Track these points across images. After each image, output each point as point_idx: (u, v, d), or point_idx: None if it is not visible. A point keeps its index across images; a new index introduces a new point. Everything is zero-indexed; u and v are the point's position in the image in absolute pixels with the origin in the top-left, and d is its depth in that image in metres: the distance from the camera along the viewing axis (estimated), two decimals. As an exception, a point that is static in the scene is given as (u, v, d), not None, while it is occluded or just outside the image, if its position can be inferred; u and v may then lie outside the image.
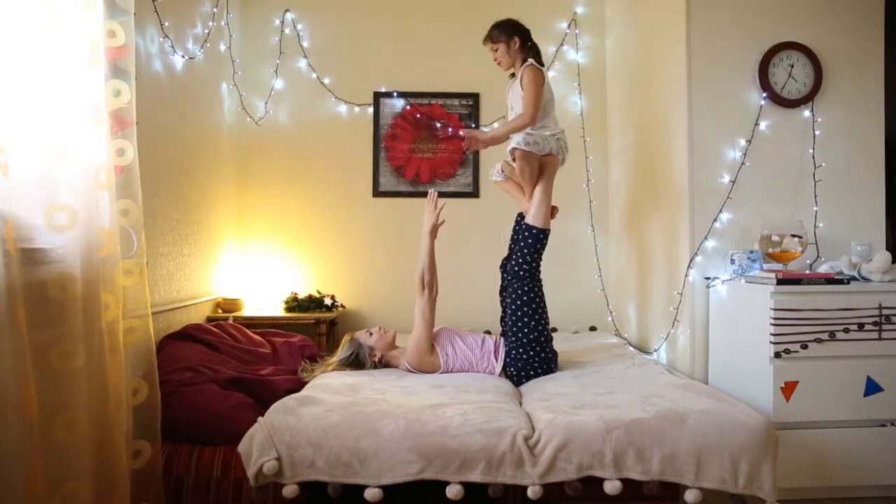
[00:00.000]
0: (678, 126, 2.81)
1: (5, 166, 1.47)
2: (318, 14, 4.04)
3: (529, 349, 2.57)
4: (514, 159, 2.61)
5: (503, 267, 2.81)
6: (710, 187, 2.72)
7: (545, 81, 2.67)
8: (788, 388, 2.28)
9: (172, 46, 2.95)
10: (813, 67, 2.72)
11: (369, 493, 1.82)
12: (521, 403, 2.27)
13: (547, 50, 4.03)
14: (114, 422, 1.77)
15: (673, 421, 1.90)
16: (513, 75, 2.77)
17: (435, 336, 2.65)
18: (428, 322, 2.56)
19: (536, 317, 2.57)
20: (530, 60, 2.67)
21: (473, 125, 4.00)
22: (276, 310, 3.77)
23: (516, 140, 2.59)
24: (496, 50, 2.75)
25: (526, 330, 2.56)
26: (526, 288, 2.57)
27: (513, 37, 2.71)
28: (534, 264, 2.60)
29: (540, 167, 2.65)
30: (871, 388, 2.30)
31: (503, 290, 2.78)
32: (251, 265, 3.95)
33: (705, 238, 2.72)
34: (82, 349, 1.65)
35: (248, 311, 3.70)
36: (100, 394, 1.73)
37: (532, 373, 2.57)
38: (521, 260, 2.60)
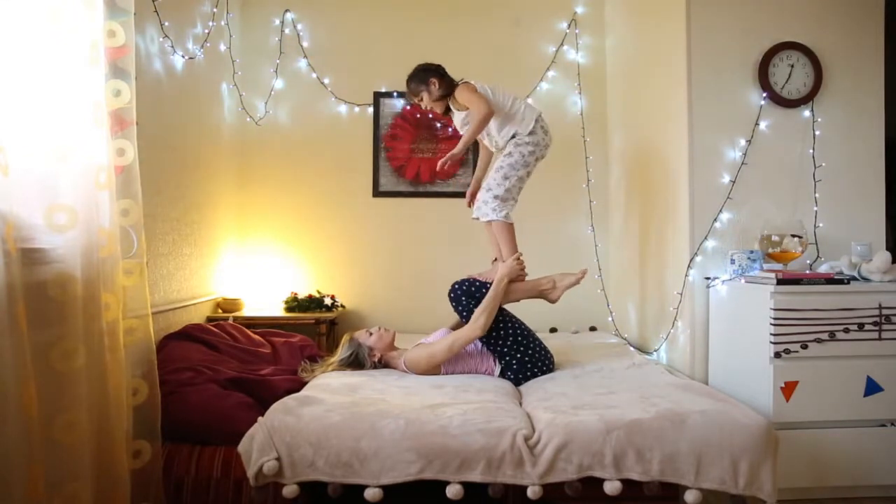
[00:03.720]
0: (678, 126, 2.81)
1: (5, 166, 1.47)
2: (318, 14, 4.04)
3: (516, 352, 2.58)
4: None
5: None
6: (710, 187, 2.72)
7: (482, 85, 2.75)
8: (788, 388, 2.28)
9: (172, 46, 2.95)
10: (813, 67, 2.72)
11: (369, 493, 1.81)
12: (521, 403, 2.27)
13: (547, 50, 4.04)
14: (114, 422, 1.77)
15: (673, 421, 1.90)
16: (449, 109, 2.81)
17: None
18: (453, 354, 2.54)
19: (500, 324, 2.58)
20: (457, 82, 2.76)
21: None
22: (276, 310, 3.77)
23: (491, 215, 2.70)
24: (421, 100, 2.80)
25: (502, 340, 2.58)
26: (472, 303, 2.58)
27: (428, 80, 2.75)
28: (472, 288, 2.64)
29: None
30: (871, 388, 2.30)
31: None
32: (251, 265, 3.96)
33: (705, 238, 2.72)
34: (82, 349, 1.65)
35: (248, 311, 3.70)
36: (100, 394, 1.73)
37: (529, 373, 2.58)
38: (466, 285, 2.63)
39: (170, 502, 2.01)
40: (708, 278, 2.72)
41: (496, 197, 2.71)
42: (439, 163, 2.68)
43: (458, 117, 2.81)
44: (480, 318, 2.50)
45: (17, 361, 1.41)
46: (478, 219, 2.79)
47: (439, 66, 2.80)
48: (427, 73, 2.76)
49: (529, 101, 2.81)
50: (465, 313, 2.60)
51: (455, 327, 2.75)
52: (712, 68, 2.74)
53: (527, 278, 2.76)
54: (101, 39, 1.80)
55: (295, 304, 3.75)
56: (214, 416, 2.13)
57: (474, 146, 3.06)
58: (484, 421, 1.91)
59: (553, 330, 3.80)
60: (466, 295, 2.61)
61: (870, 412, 2.31)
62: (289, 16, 4.01)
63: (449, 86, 2.76)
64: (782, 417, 2.26)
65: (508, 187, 2.71)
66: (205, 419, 2.12)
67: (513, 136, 2.73)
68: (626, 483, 1.84)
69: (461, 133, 2.87)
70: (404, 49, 4.04)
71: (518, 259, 2.70)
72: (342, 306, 3.91)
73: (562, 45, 4.05)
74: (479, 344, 2.65)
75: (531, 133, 2.70)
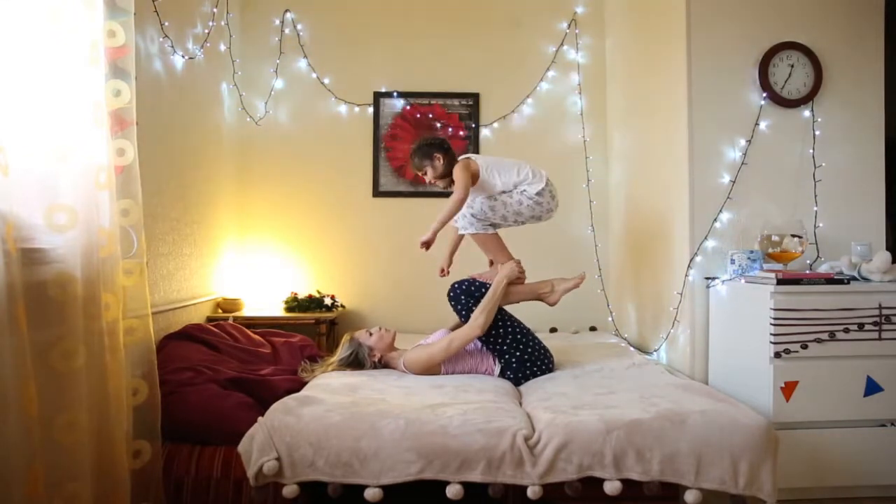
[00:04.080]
0: (678, 126, 2.81)
1: (5, 166, 1.47)
2: (318, 14, 4.04)
3: (515, 351, 2.58)
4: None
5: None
6: (710, 187, 2.72)
7: (478, 164, 2.73)
8: (788, 388, 2.28)
9: (172, 46, 2.95)
10: (813, 67, 2.72)
11: (369, 493, 1.82)
12: (520, 403, 2.27)
13: (547, 50, 4.04)
14: (114, 422, 1.77)
15: (673, 421, 1.90)
16: (452, 183, 2.78)
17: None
18: (451, 353, 2.54)
19: (500, 324, 2.58)
20: (459, 158, 2.76)
21: (474, 125, 4.00)
22: (276, 310, 3.77)
23: (469, 228, 2.74)
24: (425, 174, 2.80)
25: (501, 339, 2.59)
26: (471, 303, 2.59)
27: (433, 156, 2.75)
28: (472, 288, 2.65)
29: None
30: (871, 388, 2.30)
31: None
32: (251, 265, 3.95)
33: (705, 238, 2.72)
34: (82, 349, 1.65)
35: (248, 311, 3.70)
36: (100, 394, 1.73)
37: (528, 373, 2.58)
38: (465, 285, 2.64)
39: (170, 502, 2.01)
40: (708, 278, 2.72)
41: (473, 215, 2.74)
42: (421, 245, 2.69)
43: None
44: (479, 317, 2.50)
45: (17, 361, 1.41)
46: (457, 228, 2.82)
47: (444, 140, 2.82)
48: (432, 149, 2.76)
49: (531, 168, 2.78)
50: (464, 312, 2.61)
51: (455, 328, 2.75)
52: (712, 68, 2.74)
53: (526, 280, 2.77)
54: (101, 39, 1.80)
55: (295, 304, 3.75)
56: (214, 416, 2.13)
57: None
58: (484, 421, 1.91)
59: (553, 330, 3.80)
60: (466, 294, 2.61)
61: (870, 412, 2.31)
62: (289, 16, 4.01)
63: (452, 161, 2.76)
64: (782, 417, 2.26)
65: (490, 215, 2.73)
66: (205, 419, 2.12)
67: (522, 189, 2.73)
68: (626, 483, 1.84)
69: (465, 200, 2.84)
70: (404, 49, 4.05)
71: (518, 262, 2.71)
72: (342, 306, 3.91)
73: (562, 45, 4.04)
74: (479, 343, 2.65)
75: (539, 194, 2.71)
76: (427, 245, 2.70)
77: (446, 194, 3.94)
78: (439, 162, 2.75)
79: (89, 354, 1.68)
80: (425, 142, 2.81)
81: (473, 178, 2.70)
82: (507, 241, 2.85)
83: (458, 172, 2.69)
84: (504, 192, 2.74)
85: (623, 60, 3.76)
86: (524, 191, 2.72)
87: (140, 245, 1.95)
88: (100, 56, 1.79)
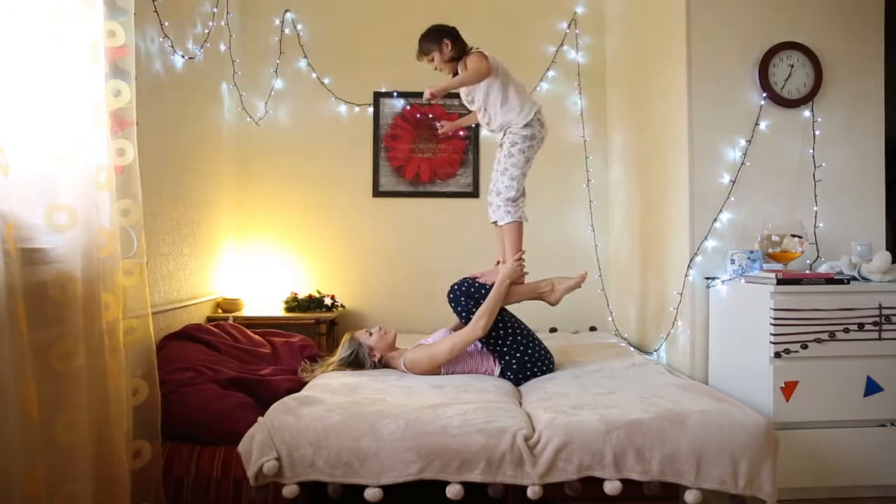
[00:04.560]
0: (678, 126, 2.81)
1: (5, 166, 1.47)
2: (318, 14, 4.04)
3: (515, 352, 2.58)
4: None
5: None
6: (710, 187, 2.72)
7: (495, 60, 2.72)
8: (788, 388, 2.28)
9: (172, 46, 2.95)
10: (813, 67, 2.72)
11: (369, 493, 1.82)
12: (521, 403, 2.27)
13: (547, 50, 4.04)
14: (114, 422, 1.77)
15: (673, 421, 1.90)
16: (457, 73, 2.77)
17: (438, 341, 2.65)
18: (453, 354, 2.54)
19: (500, 324, 2.58)
20: (471, 49, 2.73)
21: (474, 125, 3.99)
22: (276, 310, 3.77)
23: (506, 217, 2.70)
24: (431, 60, 2.77)
25: (501, 340, 2.58)
26: (471, 304, 2.59)
27: (442, 41, 2.73)
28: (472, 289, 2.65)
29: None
30: (871, 388, 2.30)
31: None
32: (251, 265, 3.96)
33: (705, 238, 2.72)
34: (82, 349, 1.65)
35: (248, 311, 3.70)
36: (100, 394, 1.73)
37: (529, 373, 2.58)
38: (465, 286, 2.64)
39: (170, 502, 2.01)
40: (708, 278, 2.72)
41: (508, 199, 2.72)
42: (425, 95, 2.55)
43: (463, 91, 2.80)
44: (481, 319, 2.50)
45: (17, 361, 1.41)
46: (496, 223, 2.79)
47: (454, 28, 2.78)
48: (441, 34, 2.73)
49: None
50: (464, 314, 2.61)
51: (456, 328, 2.75)
52: (712, 68, 2.74)
53: (526, 280, 2.77)
54: (101, 39, 1.80)
55: (295, 304, 3.75)
56: (214, 416, 2.13)
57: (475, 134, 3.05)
58: (484, 421, 1.91)
59: (553, 330, 3.80)
60: (465, 295, 2.61)
61: (870, 412, 2.31)
62: (289, 16, 4.01)
63: (461, 49, 2.73)
64: (782, 417, 2.26)
65: (517, 187, 2.73)
66: (205, 419, 2.12)
67: (508, 128, 2.71)
68: (626, 483, 1.84)
69: (470, 107, 2.86)
70: (404, 49, 4.02)
71: (519, 260, 2.70)
72: (342, 306, 3.91)
73: (562, 45, 4.04)
74: (479, 344, 2.64)
75: (527, 125, 2.69)
76: (433, 95, 2.56)
77: (447, 195, 4.00)
78: (447, 48, 2.72)
79: (89, 354, 1.69)
80: (434, 28, 2.77)
81: (486, 71, 2.65)
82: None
83: (473, 60, 2.65)
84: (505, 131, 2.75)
85: (623, 60, 3.76)
86: (511, 124, 2.70)
87: (140, 245, 1.95)
88: (100, 56, 1.79)
